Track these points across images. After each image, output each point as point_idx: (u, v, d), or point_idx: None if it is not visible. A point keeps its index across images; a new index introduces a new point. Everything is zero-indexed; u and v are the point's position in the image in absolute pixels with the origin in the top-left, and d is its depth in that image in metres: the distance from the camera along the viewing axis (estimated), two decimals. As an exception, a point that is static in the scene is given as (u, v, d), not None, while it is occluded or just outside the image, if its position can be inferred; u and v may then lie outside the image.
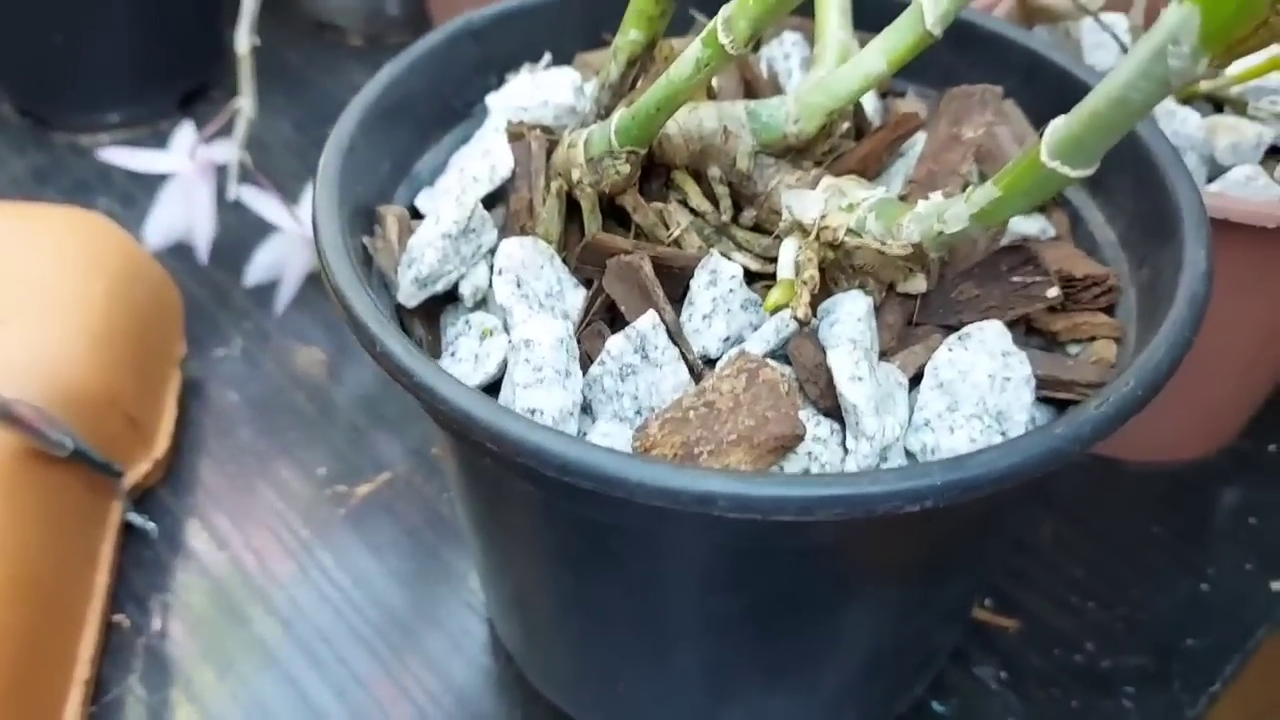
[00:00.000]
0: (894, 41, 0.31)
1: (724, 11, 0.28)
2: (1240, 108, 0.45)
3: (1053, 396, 0.31)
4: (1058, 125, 0.25)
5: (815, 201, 0.31)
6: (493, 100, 0.38)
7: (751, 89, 0.38)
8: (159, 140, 0.64)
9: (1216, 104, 0.46)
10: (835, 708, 0.37)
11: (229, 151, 0.52)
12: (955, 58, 0.39)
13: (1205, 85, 0.46)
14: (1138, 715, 0.41)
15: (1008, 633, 0.43)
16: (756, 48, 0.41)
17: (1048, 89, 0.38)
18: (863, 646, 0.34)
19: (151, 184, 0.56)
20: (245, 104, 0.50)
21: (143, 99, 0.68)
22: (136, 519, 0.46)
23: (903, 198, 0.35)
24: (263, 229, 0.54)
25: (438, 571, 0.45)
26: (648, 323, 0.29)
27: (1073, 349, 0.32)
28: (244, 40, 0.50)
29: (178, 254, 0.56)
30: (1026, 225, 0.36)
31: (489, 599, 0.43)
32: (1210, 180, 0.44)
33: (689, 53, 0.29)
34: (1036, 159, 0.26)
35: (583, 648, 0.37)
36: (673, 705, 0.36)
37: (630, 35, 0.33)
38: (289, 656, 0.42)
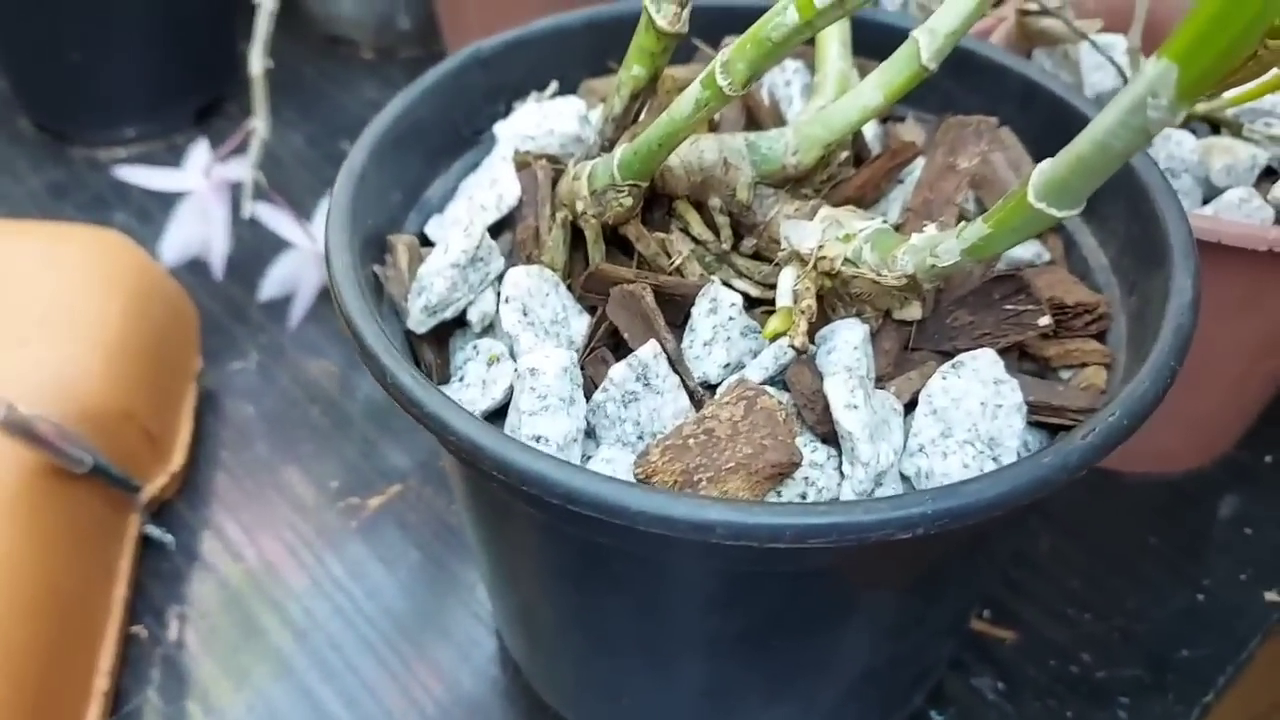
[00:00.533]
0: (891, 75, 0.32)
1: (722, 54, 0.29)
2: (1236, 130, 0.46)
3: (1045, 421, 0.32)
4: (1044, 168, 0.26)
5: (813, 232, 0.32)
6: (500, 129, 0.39)
7: (753, 117, 0.39)
8: (175, 154, 0.66)
9: (1213, 125, 0.47)
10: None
11: (243, 170, 0.53)
12: (954, 84, 0.40)
13: (1201, 108, 0.46)
14: (1132, 726, 0.42)
15: (1005, 644, 0.44)
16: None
17: (1043, 115, 0.39)
18: (859, 662, 0.35)
19: (168, 198, 0.58)
20: (260, 124, 0.52)
21: (159, 114, 0.69)
22: (154, 531, 0.47)
23: (899, 226, 0.36)
24: (277, 244, 0.55)
25: (447, 583, 0.46)
26: (649, 351, 0.30)
27: (1065, 374, 0.33)
28: (257, 62, 0.51)
29: (194, 269, 0.57)
30: (1022, 250, 0.36)
31: (496, 611, 0.44)
32: (1205, 202, 0.44)
33: (689, 92, 0.30)
34: (1025, 199, 0.26)
35: (587, 661, 0.38)
36: (673, 717, 0.37)
37: (633, 70, 0.33)
38: (302, 667, 0.43)
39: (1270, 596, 0.47)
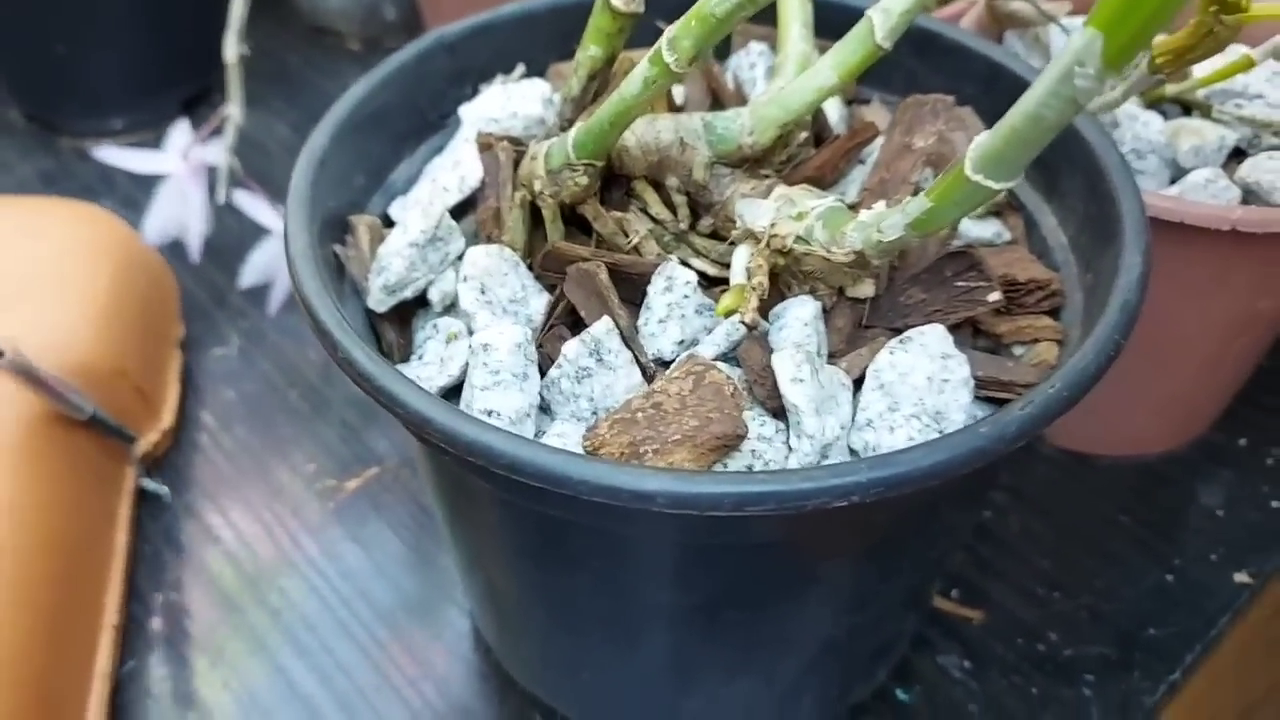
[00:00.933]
0: (845, 55, 0.32)
1: (668, 32, 0.29)
2: (1206, 111, 0.46)
3: (995, 396, 0.32)
4: (980, 141, 0.26)
5: (766, 210, 0.32)
6: (465, 111, 0.39)
7: (718, 99, 0.39)
8: (160, 144, 0.67)
9: (1184, 107, 0.47)
10: (791, 695, 0.38)
11: (221, 154, 0.54)
12: (919, 65, 0.41)
13: (1171, 89, 0.46)
14: (1097, 703, 0.42)
15: (973, 622, 0.44)
16: (724, 58, 0.42)
17: (1006, 95, 0.39)
18: (817, 635, 0.35)
19: (152, 186, 0.58)
20: (234, 110, 0.52)
21: (145, 104, 0.70)
22: (150, 484, 0.49)
23: (857, 205, 0.36)
24: (259, 232, 0.56)
25: (421, 564, 0.47)
26: (602, 328, 0.31)
27: (1018, 350, 0.34)
28: (232, 49, 0.51)
29: (175, 253, 0.57)
30: (981, 229, 0.37)
31: (466, 591, 0.44)
32: (1173, 183, 0.45)
33: (638, 71, 0.30)
34: (962, 173, 0.27)
35: (551, 638, 0.38)
36: (636, 693, 0.38)
37: (590, 50, 0.34)
38: (277, 645, 0.44)
39: (1240, 577, 0.47)
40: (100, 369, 0.47)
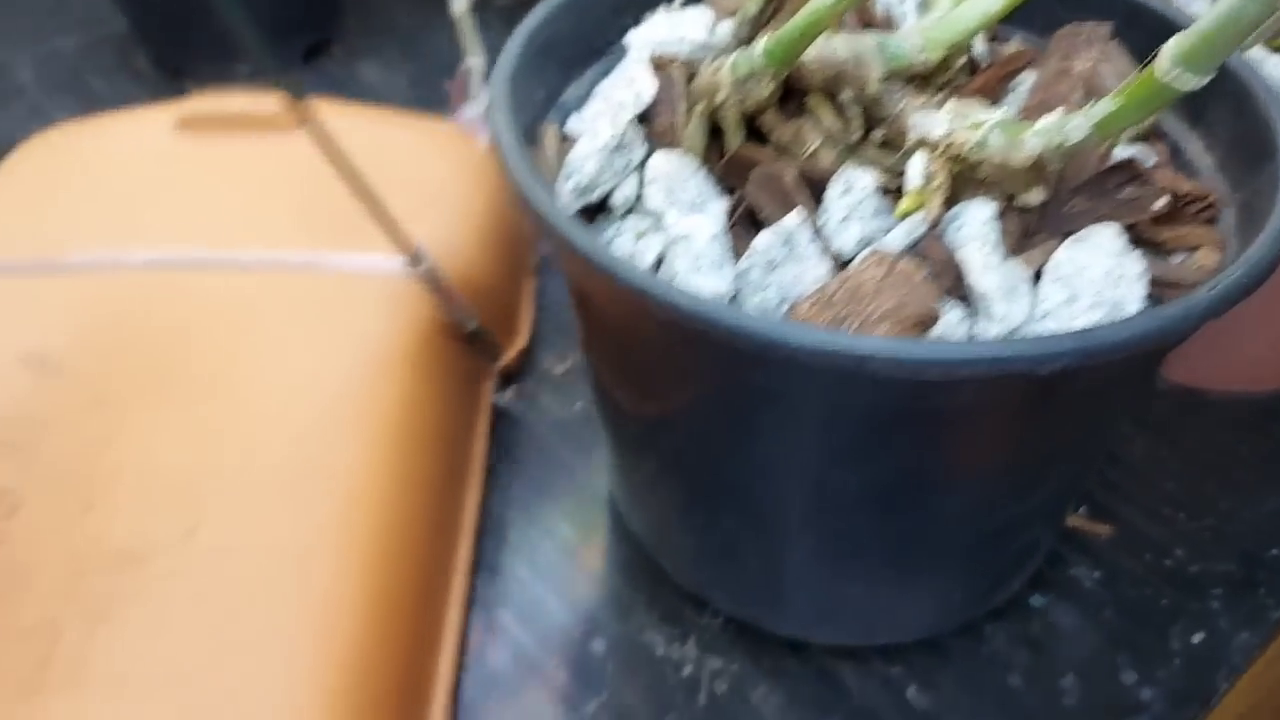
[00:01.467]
0: (1011, -17, 0.34)
1: (871, -60, 0.31)
2: (1328, 55, 0.48)
3: (1162, 296, 0.34)
4: (1175, 40, 0.28)
5: (942, 120, 0.34)
6: (632, 36, 0.41)
7: (869, 27, 0.41)
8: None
9: (1303, 52, 0.49)
10: (944, 590, 0.40)
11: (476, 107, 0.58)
12: (1060, 5, 0.42)
13: (1292, 36, 0.48)
14: (1225, 615, 0.44)
15: (1102, 539, 0.46)
16: (875, -11, 0.44)
17: (1146, 32, 0.41)
18: (971, 528, 0.37)
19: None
20: (475, 61, 0.56)
21: (270, 53, 0.72)
22: (504, 400, 0.52)
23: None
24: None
25: (564, 472, 0.49)
26: (794, 220, 0.33)
27: (1177, 258, 0.35)
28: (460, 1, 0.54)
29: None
30: (1129, 153, 0.38)
31: (619, 490, 0.47)
32: (1298, 120, 0.46)
33: (834, -20, 0.32)
34: (1152, 74, 0.29)
35: (709, 529, 0.40)
36: (794, 581, 0.40)
37: (771, -29, 0.36)
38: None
39: (1354, 504, 0.49)
40: (482, 285, 0.49)
